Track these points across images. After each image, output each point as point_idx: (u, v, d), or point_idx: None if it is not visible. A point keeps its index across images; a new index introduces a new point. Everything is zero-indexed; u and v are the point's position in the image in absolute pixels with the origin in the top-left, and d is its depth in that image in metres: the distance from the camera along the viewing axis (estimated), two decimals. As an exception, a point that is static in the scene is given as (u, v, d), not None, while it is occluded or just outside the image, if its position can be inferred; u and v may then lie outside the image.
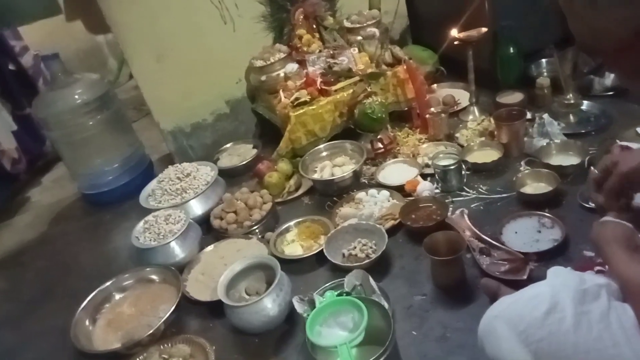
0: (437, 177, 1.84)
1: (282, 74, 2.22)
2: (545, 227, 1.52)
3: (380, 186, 1.90)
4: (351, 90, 2.09)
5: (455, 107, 2.28)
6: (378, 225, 1.66)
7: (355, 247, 1.63)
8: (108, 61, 4.12)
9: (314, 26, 2.37)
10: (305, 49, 2.29)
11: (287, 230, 1.83)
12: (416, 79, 2.16)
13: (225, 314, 1.47)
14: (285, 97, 2.15)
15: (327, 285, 1.50)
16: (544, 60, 2.25)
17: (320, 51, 2.26)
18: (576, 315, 0.86)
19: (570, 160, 1.73)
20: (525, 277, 1.34)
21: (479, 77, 2.12)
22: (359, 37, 2.26)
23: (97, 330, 1.64)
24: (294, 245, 1.77)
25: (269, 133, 2.43)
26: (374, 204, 1.80)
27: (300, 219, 1.84)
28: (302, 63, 2.24)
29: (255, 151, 2.38)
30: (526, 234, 1.51)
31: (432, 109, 2.09)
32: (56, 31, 3.37)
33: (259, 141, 2.47)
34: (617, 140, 1.71)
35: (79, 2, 2.96)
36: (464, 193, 1.79)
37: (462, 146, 1.97)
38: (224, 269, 1.56)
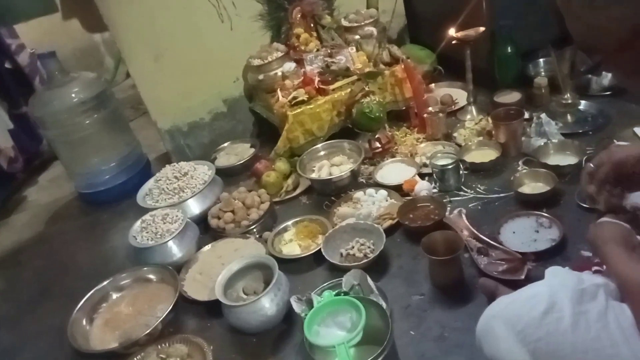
0: (435, 177, 1.84)
1: (279, 73, 2.22)
2: (543, 226, 1.52)
3: (378, 186, 1.90)
4: (349, 90, 2.09)
5: (453, 106, 2.28)
6: (376, 225, 1.66)
7: (353, 247, 1.63)
8: (105, 60, 4.11)
9: (312, 25, 2.36)
10: (302, 48, 2.29)
11: (285, 229, 1.83)
12: (414, 78, 2.16)
13: (223, 314, 1.46)
14: (282, 96, 2.15)
15: (325, 284, 1.49)
16: (541, 59, 2.25)
17: (317, 50, 2.26)
18: (574, 315, 0.86)
19: (567, 160, 1.73)
20: (523, 277, 1.34)
21: (476, 76, 2.13)
22: (357, 36, 2.25)
23: (94, 330, 1.63)
24: (292, 244, 1.77)
25: (266, 132, 2.43)
26: (371, 204, 1.80)
27: (298, 219, 1.84)
28: (299, 62, 2.24)
29: (252, 150, 2.38)
30: (524, 233, 1.51)
31: (430, 109, 2.09)
32: (53, 29, 3.37)
33: (256, 140, 2.47)
34: (615, 140, 1.71)
35: (76, 1, 2.96)
36: (461, 193, 1.79)
37: (459, 146, 1.97)
38: (222, 269, 1.56)
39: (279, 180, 2.05)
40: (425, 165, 1.92)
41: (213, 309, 1.54)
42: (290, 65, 2.21)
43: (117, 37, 2.25)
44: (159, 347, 1.46)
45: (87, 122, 2.31)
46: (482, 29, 2.02)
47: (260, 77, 2.25)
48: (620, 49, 0.79)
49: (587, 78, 2.09)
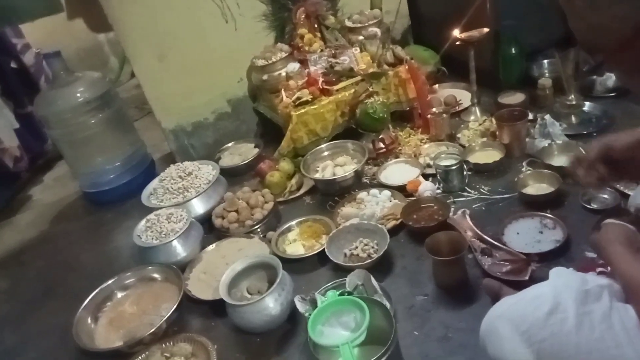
0: (438, 178, 1.84)
1: (283, 74, 2.22)
2: (547, 227, 1.52)
3: (382, 186, 1.90)
4: (353, 90, 2.09)
5: (457, 107, 2.28)
6: (380, 225, 1.66)
7: (357, 247, 1.63)
8: (109, 60, 4.13)
9: (316, 25, 2.37)
10: (306, 48, 2.29)
11: (289, 229, 1.83)
12: (418, 79, 2.16)
13: (227, 313, 1.47)
14: (286, 97, 2.15)
15: (328, 284, 1.50)
16: (545, 60, 2.24)
17: (321, 51, 2.26)
18: (578, 315, 0.86)
19: (571, 161, 1.73)
20: (527, 277, 1.34)
21: (480, 77, 2.13)
22: (361, 37, 2.26)
23: (99, 329, 1.64)
24: (296, 244, 1.77)
25: (270, 132, 2.44)
26: (375, 204, 1.80)
27: (302, 219, 1.85)
28: (303, 62, 2.24)
29: (256, 150, 2.38)
30: (528, 234, 1.51)
31: (434, 109, 2.09)
32: (58, 29, 3.37)
33: (260, 140, 2.48)
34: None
35: (81, 1, 2.96)
36: (465, 193, 1.79)
37: (463, 146, 1.97)
38: (226, 268, 1.56)
39: (283, 180, 2.05)
40: (429, 165, 1.92)
41: (217, 308, 1.54)
42: (294, 66, 2.21)
43: (122, 36, 2.26)
44: (164, 346, 1.46)
45: (92, 121, 2.32)
46: (486, 29, 2.02)
47: (264, 77, 2.25)
48: (622, 48, 0.79)
49: (592, 79, 2.09)
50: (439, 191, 1.82)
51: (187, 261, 1.76)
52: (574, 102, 1.97)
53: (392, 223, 1.70)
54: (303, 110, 2.07)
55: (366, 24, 2.27)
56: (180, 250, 1.77)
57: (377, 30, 2.23)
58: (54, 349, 1.67)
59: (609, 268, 1.12)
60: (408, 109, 2.23)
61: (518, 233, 1.52)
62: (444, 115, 2.06)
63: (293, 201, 2.03)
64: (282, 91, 2.19)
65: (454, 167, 1.78)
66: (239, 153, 2.41)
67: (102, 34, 3.93)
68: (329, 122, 2.12)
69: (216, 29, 2.33)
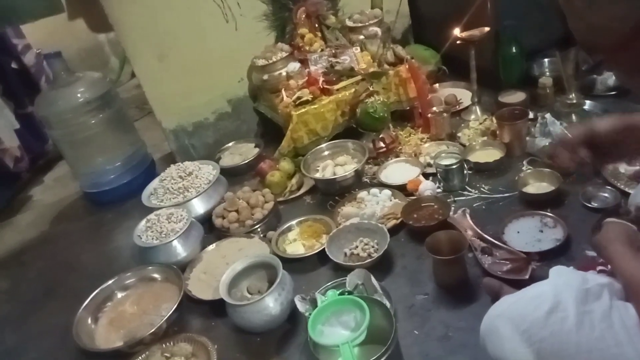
0: (439, 177, 1.84)
1: (284, 73, 2.22)
2: (547, 226, 1.51)
3: (382, 185, 1.90)
4: (353, 90, 2.09)
5: (458, 106, 2.27)
6: (380, 225, 1.66)
7: (357, 247, 1.63)
8: (110, 60, 4.13)
9: (316, 25, 2.37)
10: (307, 48, 2.29)
11: (289, 229, 1.83)
12: (418, 78, 2.16)
13: (227, 313, 1.47)
14: (287, 96, 2.15)
15: (329, 284, 1.50)
16: (546, 59, 2.24)
17: (322, 50, 2.26)
18: (578, 314, 0.86)
19: (572, 160, 1.73)
20: (527, 276, 1.34)
21: (481, 76, 2.12)
22: (361, 37, 2.26)
23: (99, 329, 1.64)
24: (296, 244, 1.77)
25: (270, 132, 2.43)
26: (375, 203, 1.80)
27: (302, 218, 1.85)
28: (304, 62, 2.24)
29: (257, 150, 2.38)
30: (528, 233, 1.51)
31: (434, 109, 2.09)
32: (58, 30, 3.38)
33: (260, 140, 2.48)
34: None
35: (82, 1, 2.97)
36: (466, 192, 1.79)
37: (464, 146, 1.97)
38: (226, 268, 1.56)
39: (283, 180, 2.05)
40: (429, 165, 1.92)
41: (217, 308, 1.54)
42: (294, 66, 2.21)
43: (122, 37, 2.26)
44: (164, 346, 1.46)
45: (92, 121, 2.32)
46: (486, 29, 2.02)
47: (265, 77, 2.25)
48: (621, 47, 0.79)
49: (592, 78, 2.08)
50: (439, 190, 1.81)
51: (188, 261, 1.76)
52: (574, 101, 1.97)
53: (392, 222, 1.70)
54: (303, 110, 2.07)
55: (367, 24, 2.27)
56: (180, 250, 1.77)
57: (377, 29, 2.23)
58: (55, 349, 1.67)
59: (609, 267, 1.11)
60: (408, 108, 2.23)
61: (518, 232, 1.52)
62: (445, 114, 2.06)
63: (293, 201, 2.03)
64: (283, 91, 2.19)
65: (454, 166, 1.78)
66: (239, 153, 2.42)
67: (102, 34, 3.94)
68: (329, 122, 2.12)
69: (216, 29, 2.33)
